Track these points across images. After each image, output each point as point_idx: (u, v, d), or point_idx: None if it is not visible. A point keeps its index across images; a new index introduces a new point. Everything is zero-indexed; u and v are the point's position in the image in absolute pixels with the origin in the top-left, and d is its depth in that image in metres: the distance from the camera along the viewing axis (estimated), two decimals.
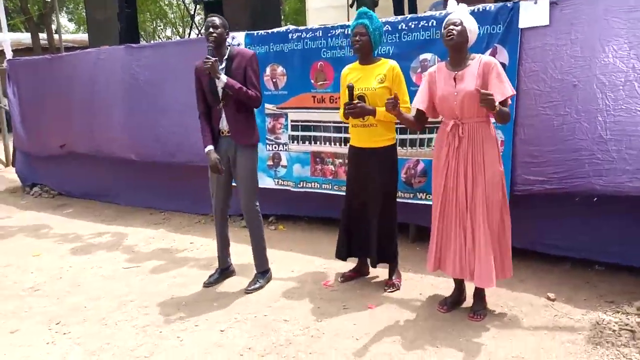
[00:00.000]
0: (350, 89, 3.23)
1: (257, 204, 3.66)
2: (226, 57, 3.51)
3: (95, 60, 5.91)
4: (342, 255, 3.69)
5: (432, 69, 3.13)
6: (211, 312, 3.34)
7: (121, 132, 5.70)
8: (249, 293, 3.59)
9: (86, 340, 3.07)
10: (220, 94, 3.47)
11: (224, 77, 3.39)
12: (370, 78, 3.34)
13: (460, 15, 2.93)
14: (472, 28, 2.94)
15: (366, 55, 3.37)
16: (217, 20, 3.50)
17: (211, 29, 3.46)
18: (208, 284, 3.75)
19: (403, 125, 3.87)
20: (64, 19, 23.42)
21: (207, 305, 3.45)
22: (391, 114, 3.07)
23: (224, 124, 3.54)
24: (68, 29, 23.57)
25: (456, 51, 2.94)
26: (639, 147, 3.09)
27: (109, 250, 4.69)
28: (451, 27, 2.89)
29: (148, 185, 5.93)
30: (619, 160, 3.15)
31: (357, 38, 3.31)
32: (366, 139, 3.39)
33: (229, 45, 3.59)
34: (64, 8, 22.29)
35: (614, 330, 2.83)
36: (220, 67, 3.46)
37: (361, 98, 3.31)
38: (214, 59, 3.37)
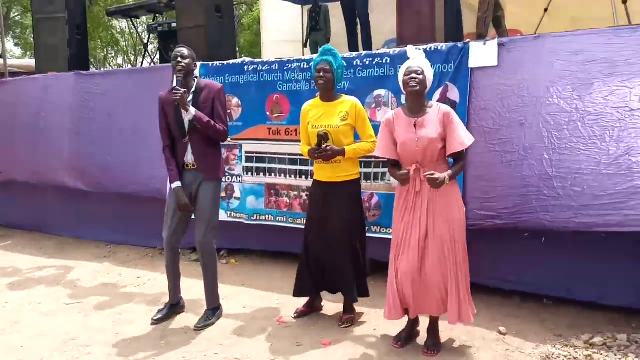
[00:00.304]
0: (320, 137, 3.24)
1: (214, 239, 3.55)
2: (193, 89, 3.45)
3: (42, 87, 5.72)
4: (303, 292, 3.61)
5: (388, 115, 3.17)
6: (159, 351, 3.20)
7: (69, 160, 5.48)
8: (198, 330, 3.46)
9: None
10: (187, 126, 3.39)
11: (192, 110, 3.32)
12: (333, 115, 3.35)
13: (420, 63, 3.03)
14: (430, 76, 3.06)
15: (328, 92, 3.40)
16: (185, 50, 3.45)
17: (179, 59, 3.39)
18: (157, 321, 3.59)
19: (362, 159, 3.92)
20: (9, 44, 22.73)
21: (154, 344, 3.30)
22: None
23: (189, 157, 3.46)
24: (14, 54, 22.85)
25: (417, 98, 3.02)
26: (582, 184, 3.21)
27: (50, 285, 4.45)
28: (413, 75, 2.96)
29: (94, 216, 5.70)
30: (565, 197, 3.26)
31: (321, 74, 3.32)
32: (331, 175, 3.39)
33: (196, 77, 3.53)
34: (11, 32, 21.65)
35: None
36: (188, 100, 3.40)
37: (325, 136, 3.30)
38: (182, 90, 3.30)
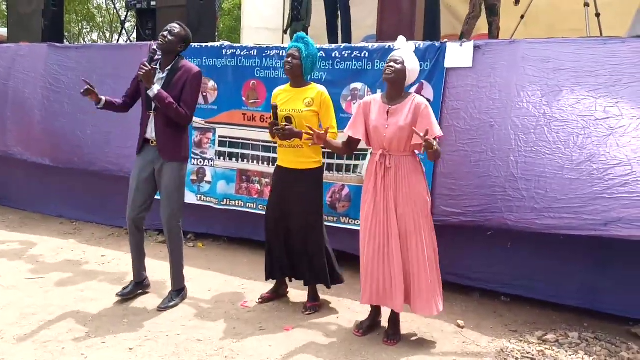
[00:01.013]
0: (274, 108, 3.30)
1: (180, 221, 3.55)
2: (170, 67, 3.41)
3: (13, 56, 5.57)
4: (274, 275, 3.66)
5: (367, 98, 3.24)
6: (120, 329, 3.19)
7: (38, 134, 5.37)
8: (161, 311, 3.46)
9: None
10: (153, 103, 3.37)
11: (155, 88, 3.27)
12: (298, 101, 3.40)
13: (404, 53, 3.06)
14: (413, 68, 3.07)
15: (296, 78, 3.43)
16: (176, 28, 3.39)
17: (165, 33, 3.36)
18: (121, 295, 3.57)
19: (337, 154, 3.97)
20: None
21: (116, 322, 3.29)
22: (318, 144, 3.14)
23: (151, 134, 3.43)
24: None
25: (392, 87, 3.07)
26: (545, 187, 3.32)
27: (12, 259, 4.37)
28: (392, 63, 3.02)
29: (60, 192, 5.61)
30: (529, 198, 3.37)
31: (289, 60, 3.37)
32: (292, 160, 3.43)
33: (179, 57, 3.46)
34: None
35: (516, 358, 3.00)
36: (161, 76, 3.37)
37: (288, 119, 3.36)
38: (151, 66, 3.26)
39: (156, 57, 3.44)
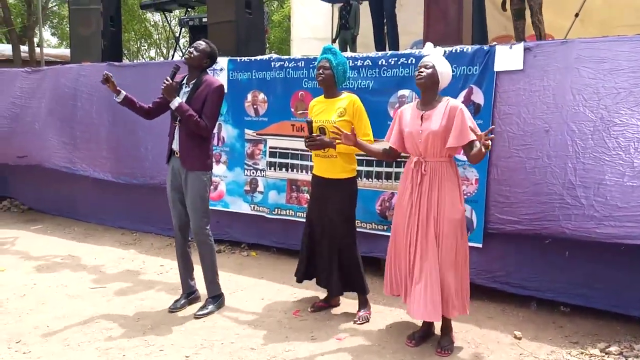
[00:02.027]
0: (309, 123, 3.36)
1: (208, 227, 3.63)
2: (194, 81, 3.53)
3: (76, 76, 5.88)
4: (299, 276, 3.74)
5: (405, 106, 3.26)
6: (177, 337, 3.29)
7: (102, 152, 5.65)
8: (197, 318, 3.56)
9: None
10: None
11: (176, 101, 3.41)
12: (332, 111, 3.44)
13: (433, 58, 3.05)
14: (444, 71, 3.04)
15: (329, 88, 3.49)
16: (202, 45, 3.55)
17: (192, 49, 3.54)
18: (173, 309, 3.69)
19: (376, 158, 3.96)
20: (46, 33, 23.31)
21: (173, 330, 3.40)
22: (348, 144, 3.15)
23: (176, 145, 3.56)
24: (50, 43, 23.44)
25: (425, 92, 3.06)
26: (605, 195, 3.19)
27: (77, 269, 4.60)
28: (422, 69, 3.01)
29: (121, 204, 5.85)
30: (588, 206, 3.24)
31: (320, 72, 3.45)
32: (327, 170, 3.48)
33: (203, 72, 3.59)
34: (48, 22, 22.20)
35: None
36: (186, 90, 3.52)
37: (322, 130, 3.42)
38: (173, 81, 3.40)
39: (179, 73, 3.56)
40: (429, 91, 3.05)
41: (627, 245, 3.16)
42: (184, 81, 3.58)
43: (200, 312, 3.61)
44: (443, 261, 2.99)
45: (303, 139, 4.42)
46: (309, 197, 3.76)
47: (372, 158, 3.99)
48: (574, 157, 3.33)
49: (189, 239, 3.76)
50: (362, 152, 3.39)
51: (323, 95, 3.57)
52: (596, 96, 3.29)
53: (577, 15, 5.54)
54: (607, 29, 5.05)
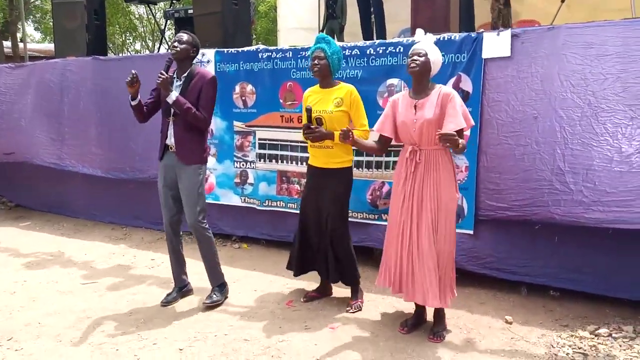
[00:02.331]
0: (309, 111, 3.34)
1: (205, 220, 3.62)
2: (185, 74, 3.50)
3: (62, 71, 5.80)
4: (292, 268, 3.74)
5: (396, 96, 3.24)
6: (170, 331, 3.29)
7: (91, 147, 5.59)
8: (206, 305, 3.58)
9: (39, 358, 2.98)
10: (172, 109, 3.47)
11: (173, 95, 3.38)
12: (328, 101, 3.42)
13: (425, 46, 3.04)
14: (436, 59, 3.04)
15: (325, 78, 3.46)
16: (184, 36, 3.50)
17: (176, 43, 3.48)
18: (166, 303, 3.68)
19: (371, 153, 3.96)
20: (29, 28, 22.97)
21: (166, 323, 3.39)
22: (346, 143, 3.13)
23: (171, 140, 3.53)
24: (34, 38, 23.10)
25: (418, 80, 3.05)
26: (594, 180, 3.23)
27: (67, 265, 4.57)
28: (415, 57, 3.00)
29: (110, 199, 5.81)
30: (576, 192, 3.27)
31: (315, 62, 3.41)
32: (323, 160, 3.47)
33: (195, 64, 3.58)
34: (31, 17, 21.86)
35: (567, 354, 2.92)
36: (178, 84, 3.48)
37: (319, 120, 3.39)
38: (168, 75, 3.36)
39: (172, 66, 3.53)
40: (421, 79, 3.04)
41: (615, 230, 3.20)
42: (174, 75, 3.55)
43: (209, 301, 3.61)
44: (440, 249, 3.00)
45: (292, 130, 4.48)
46: (302, 189, 3.73)
47: None
48: (562, 144, 3.35)
49: (180, 234, 3.75)
50: None
51: (318, 85, 3.54)
52: (583, 82, 3.31)
53: (563, 0, 5.55)
54: (594, 14, 5.06)
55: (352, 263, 3.54)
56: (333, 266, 3.54)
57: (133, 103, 3.53)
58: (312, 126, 3.32)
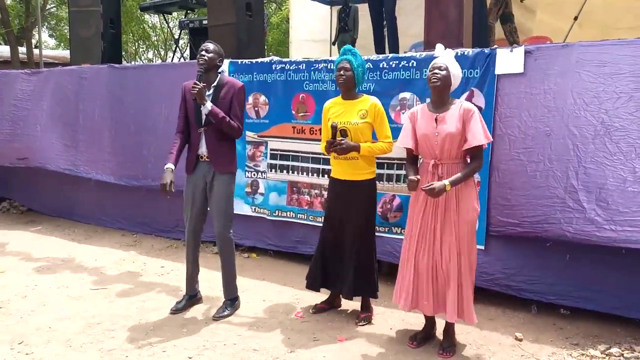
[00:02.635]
0: (334, 128, 3.33)
1: (232, 231, 3.65)
2: (215, 84, 3.53)
3: (78, 79, 5.88)
4: (314, 286, 3.70)
5: (414, 108, 3.24)
6: (179, 338, 3.30)
7: (105, 154, 5.65)
8: (216, 320, 3.56)
9: None
10: (203, 119, 3.49)
11: (208, 104, 3.42)
12: (353, 113, 3.42)
13: (446, 60, 3.06)
14: (456, 73, 3.07)
15: (349, 90, 3.46)
16: (211, 45, 3.54)
17: (203, 52, 3.50)
18: (175, 311, 3.69)
19: (380, 160, 3.97)
20: (45, 35, 23.28)
21: (175, 331, 3.40)
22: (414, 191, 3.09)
23: (203, 149, 3.55)
24: (48, 45, 23.40)
25: (439, 94, 3.06)
26: (607, 199, 3.22)
27: (77, 271, 4.60)
28: (436, 71, 3.01)
29: (122, 206, 5.86)
30: (589, 210, 3.27)
31: (341, 73, 3.41)
32: (347, 172, 3.46)
33: (220, 73, 3.61)
34: (46, 24, 22.17)
35: None
36: (207, 94, 3.49)
37: (343, 132, 3.39)
38: (202, 84, 3.39)
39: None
40: (442, 93, 3.06)
41: (627, 249, 3.18)
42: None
43: (220, 314, 3.61)
44: (462, 264, 2.99)
45: (303, 141, 4.50)
46: (326, 203, 3.71)
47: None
48: (576, 161, 3.35)
49: (200, 243, 3.78)
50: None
51: (340, 97, 3.55)
52: (597, 100, 3.31)
53: (576, 18, 5.58)
54: (606, 32, 5.08)
55: (373, 276, 3.52)
56: (351, 280, 3.49)
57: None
58: (337, 139, 3.32)
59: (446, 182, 2.90)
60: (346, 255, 3.52)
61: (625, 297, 3.39)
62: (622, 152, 3.21)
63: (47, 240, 5.57)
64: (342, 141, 3.32)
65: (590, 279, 3.47)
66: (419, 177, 3.01)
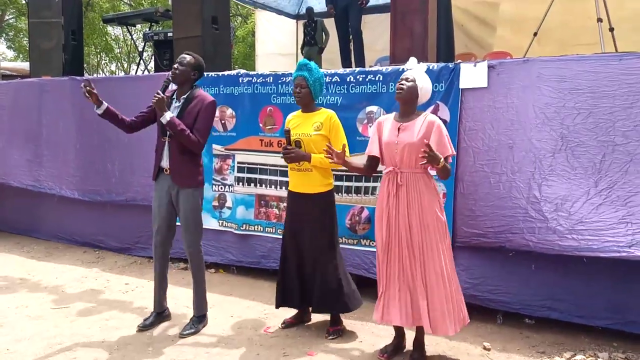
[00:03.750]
0: (287, 133, 3.39)
1: (201, 244, 3.59)
2: (185, 96, 3.49)
3: (39, 92, 5.72)
4: (285, 303, 3.66)
5: (382, 118, 3.29)
6: (145, 358, 3.21)
7: (70, 169, 5.51)
8: (183, 337, 3.48)
9: None
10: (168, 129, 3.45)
11: (167, 115, 3.36)
12: (308, 125, 3.47)
13: (415, 73, 3.11)
14: (425, 86, 3.10)
15: (307, 104, 3.51)
16: (186, 58, 3.50)
17: (177, 65, 3.47)
18: (143, 327, 3.60)
19: (349, 173, 4.00)
20: (2, 46, 22.66)
21: (140, 350, 3.31)
22: (337, 163, 3.16)
23: (165, 162, 3.49)
24: (6, 56, 22.76)
25: (404, 105, 3.11)
26: (568, 210, 3.32)
27: (37, 289, 4.44)
28: (403, 82, 3.06)
29: (83, 222, 5.69)
30: (551, 220, 3.35)
31: (297, 90, 3.46)
32: (302, 184, 3.48)
33: (195, 87, 3.57)
34: (4, 35, 21.57)
35: None
36: (177, 105, 3.46)
37: (297, 143, 3.44)
38: (162, 95, 3.35)
39: (171, 86, 3.53)
40: (407, 105, 3.09)
41: (589, 258, 3.27)
42: (174, 96, 3.54)
43: (187, 332, 3.52)
44: (429, 274, 2.99)
45: (271, 154, 4.48)
46: (285, 216, 3.71)
47: (343, 172, 4.01)
48: (538, 173, 3.44)
49: (169, 258, 3.71)
50: (340, 168, 3.40)
51: (300, 110, 3.59)
52: (557, 115, 3.41)
53: (535, 34, 5.75)
54: (564, 48, 5.25)
55: (342, 291, 3.45)
56: (318, 296, 3.46)
57: (98, 112, 3.47)
58: (289, 147, 3.35)
59: (442, 158, 2.88)
60: (308, 270, 3.50)
61: (587, 306, 3.47)
62: (582, 167, 3.32)
63: (4, 258, 5.36)
64: (293, 149, 3.35)
65: (554, 288, 3.54)
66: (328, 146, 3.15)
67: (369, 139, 3.32)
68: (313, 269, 3.48)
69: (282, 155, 3.41)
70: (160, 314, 3.72)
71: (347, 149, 3.43)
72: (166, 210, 3.55)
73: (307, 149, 3.42)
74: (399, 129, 3.08)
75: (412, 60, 3.26)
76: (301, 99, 3.46)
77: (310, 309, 3.66)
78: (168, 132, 3.44)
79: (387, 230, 3.09)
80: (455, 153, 3.16)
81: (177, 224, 3.61)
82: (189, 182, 3.50)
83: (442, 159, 2.88)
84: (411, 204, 3.02)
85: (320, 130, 3.43)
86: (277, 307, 3.68)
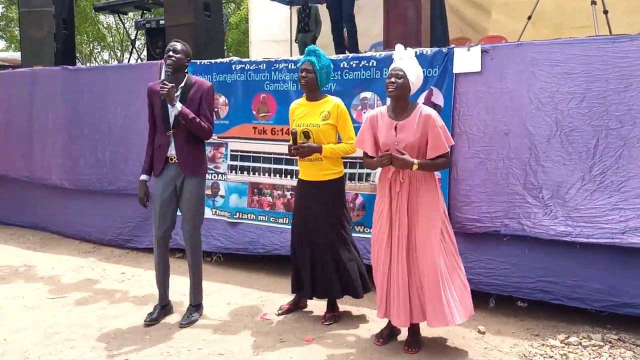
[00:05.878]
0: (294, 134, 3.34)
1: (200, 235, 3.59)
2: (182, 84, 3.46)
3: (31, 83, 5.67)
4: (292, 289, 3.68)
5: (373, 112, 3.21)
6: (142, 346, 3.23)
7: (59, 159, 5.49)
8: (183, 327, 3.49)
9: None
10: (171, 121, 3.42)
11: (178, 105, 3.33)
12: (315, 115, 3.42)
13: (404, 64, 3.03)
14: (415, 77, 3.05)
15: (312, 91, 3.46)
16: (178, 45, 3.47)
17: (171, 53, 3.42)
18: (150, 322, 3.53)
19: (346, 159, 3.98)
20: None
21: (138, 339, 3.33)
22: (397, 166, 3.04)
23: (172, 151, 3.47)
24: None
25: (397, 101, 3.06)
26: (563, 196, 3.34)
27: (34, 279, 4.44)
28: (393, 79, 2.99)
29: (79, 212, 5.67)
30: (546, 206, 3.37)
31: (303, 74, 3.40)
32: (313, 173, 3.45)
33: (187, 73, 3.55)
34: None
35: None
36: (175, 94, 3.41)
37: (306, 134, 3.39)
38: (171, 85, 3.31)
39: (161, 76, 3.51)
40: (400, 100, 3.05)
41: (581, 244, 3.31)
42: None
43: (186, 321, 3.52)
44: (431, 266, 2.97)
45: (264, 141, 4.46)
46: (294, 205, 3.68)
47: (347, 159, 3.98)
48: (534, 160, 3.44)
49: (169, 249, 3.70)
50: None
51: (304, 98, 3.54)
52: (552, 100, 3.40)
53: (529, 17, 5.71)
54: (559, 31, 5.23)
55: (351, 276, 3.45)
56: (336, 279, 3.45)
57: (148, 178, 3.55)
58: (299, 142, 3.32)
59: (415, 161, 2.90)
60: (321, 257, 3.46)
61: (580, 289, 3.49)
62: (577, 152, 3.33)
63: (0, 249, 5.36)
64: (304, 144, 3.32)
65: (548, 272, 3.55)
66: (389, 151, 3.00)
67: (360, 130, 3.24)
68: (329, 255, 3.44)
69: (292, 153, 3.36)
70: (165, 306, 3.69)
71: (353, 138, 3.37)
72: (169, 201, 3.51)
73: (316, 139, 3.38)
74: (395, 127, 3.04)
75: (399, 47, 3.14)
76: (307, 83, 3.40)
77: (310, 298, 3.66)
78: (172, 125, 3.41)
79: (389, 229, 3.06)
80: (453, 142, 3.13)
81: (178, 214, 3.60)
82: (196, 170, 3.51)
83: (415, 163, 2.88)
84: (413, 199, 3.02)
85: (328, 119, 3.39)
86: (292, 292, 3.71)
